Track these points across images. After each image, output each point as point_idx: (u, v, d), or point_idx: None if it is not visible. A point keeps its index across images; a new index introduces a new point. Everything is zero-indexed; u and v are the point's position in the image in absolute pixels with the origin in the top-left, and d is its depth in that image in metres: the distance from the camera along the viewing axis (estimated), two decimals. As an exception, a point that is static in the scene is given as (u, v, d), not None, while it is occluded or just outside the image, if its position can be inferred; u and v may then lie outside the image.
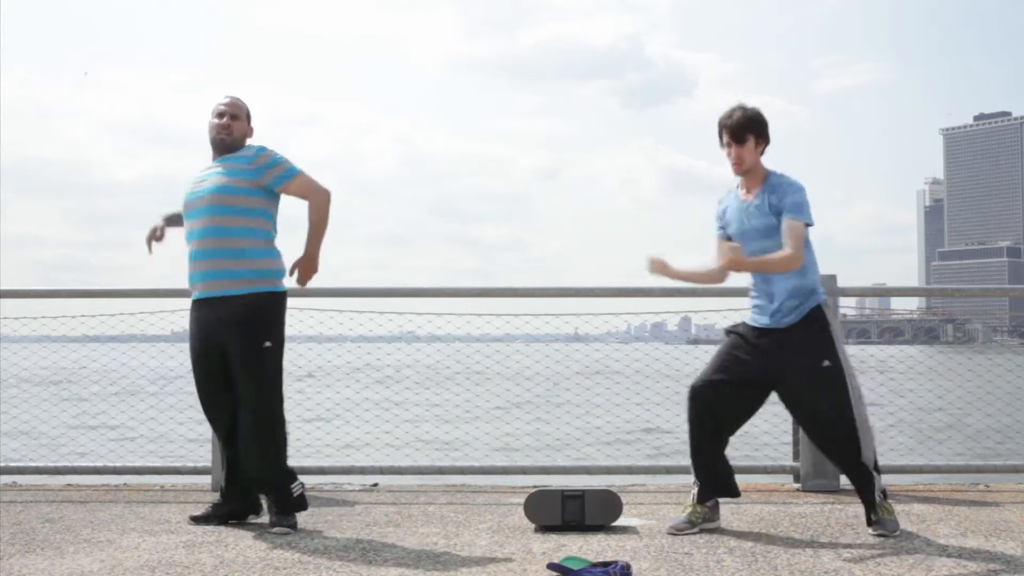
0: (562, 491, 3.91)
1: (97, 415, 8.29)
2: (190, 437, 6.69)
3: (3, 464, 5.50)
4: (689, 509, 3.89)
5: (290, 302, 4.04)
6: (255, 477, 3.93)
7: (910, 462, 5.77)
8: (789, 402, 3.87)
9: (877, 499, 3.77)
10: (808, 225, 3.75)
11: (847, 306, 5.43)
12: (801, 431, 4.93)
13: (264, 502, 4.06)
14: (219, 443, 4.11)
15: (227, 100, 4.03)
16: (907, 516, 4.13)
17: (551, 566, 3.16)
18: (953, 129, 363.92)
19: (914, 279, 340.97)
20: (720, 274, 3.96)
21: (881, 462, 5.59)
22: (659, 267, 4.01)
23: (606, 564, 3.14)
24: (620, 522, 3.95)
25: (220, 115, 3.99)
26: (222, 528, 3.98)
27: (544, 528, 3.89)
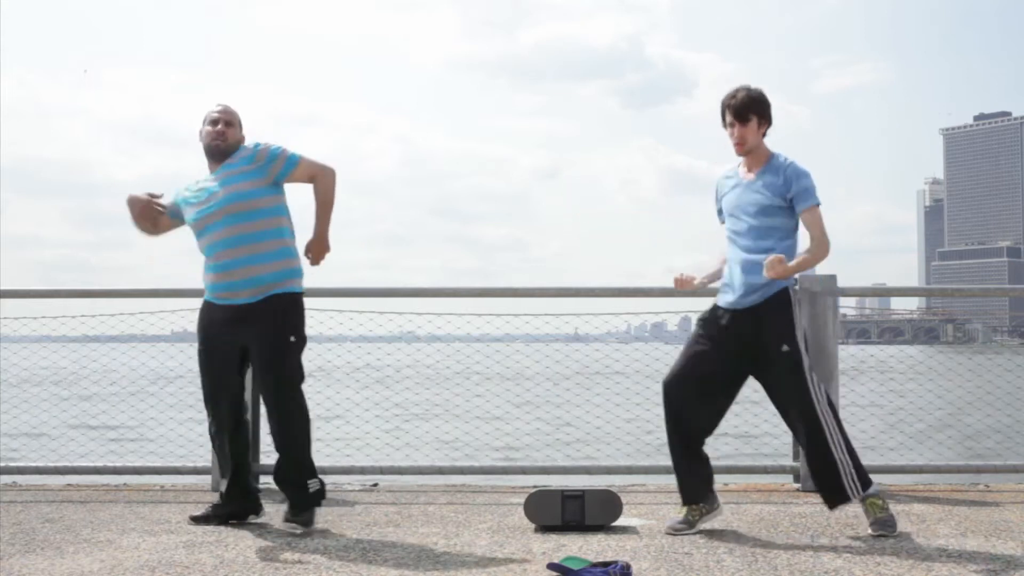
0: (562, 491, 3.91)
1: (97, 415, 8.29)
2: (190, 437, 6.68)
3: (3, 464, 5.50)
4: (686, 509, 3.89)
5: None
6: (283, 476, 3.92)
7: (910, 462, 5.77)
8: (764, 385, 3.88)
9: (846, 484, 3.73)
10: (817, 205, 3.80)
11: (847, 306, 5.42)
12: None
13: (259, 502, 4.06)
14: (218, 444, 4.09)
15: (220, 107, 4.03)
16: (907, 516, 4.13)
17: (551, 566, 3.16)
18: (953, 129, 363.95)
19: (914, 279, 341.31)
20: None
21: (881, 462, 5.61)
22: (684, 284, 4.08)
23: (606, 564, 3.14)
24: (620, 522, 3.95)
25: (214, 122, 3.98)
26: (222, 528, 3.99)
27: (544, 528, 3.89)
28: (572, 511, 3.88)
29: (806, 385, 3.75)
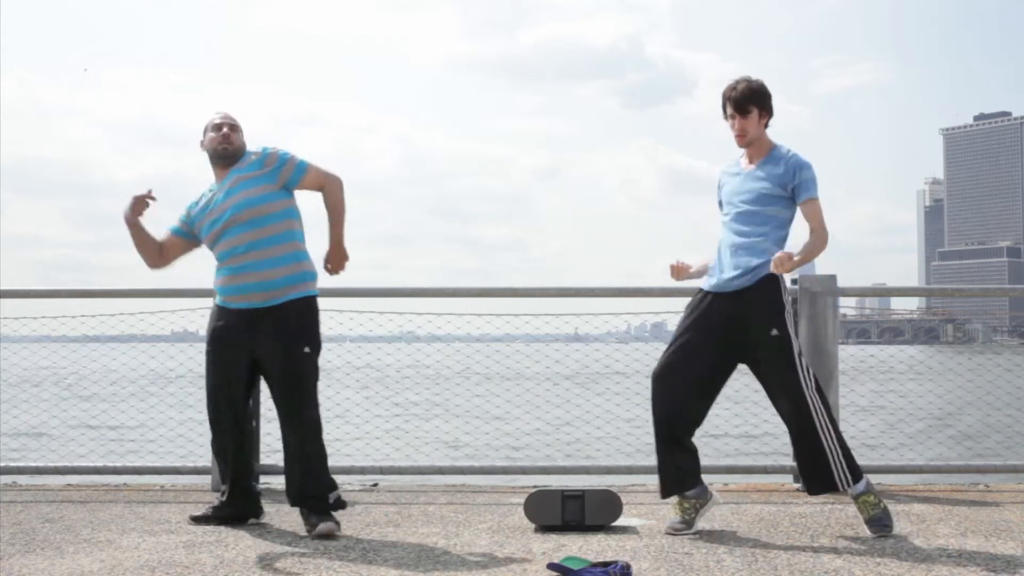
0: (562, 491, 3.91)
1: (97, 415, 8.28)
2: (190, 437, 6.68)
3: (3, 464, 5.50)
4: (679, 508, 3.88)
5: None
6: (304, 493, 3.87)
7: (910, 462, 5.77)
8: (753, 370, 3.86)
9: (835, 472, 3.72)
10: (817, 198, 3.81)
11: (847, 306, 5.43)
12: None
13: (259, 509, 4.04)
14: (218, 448, 4.05)
15: (221, 114, 4.02)
16: (907, 516, 4.13)
17: (551, 566, 3.16)
18: (953, 129, 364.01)
19: (914, 279, 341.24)
20: None
21: (881, 462, 5.62)
22: (680, 272, 4.05)
23: (606, 564, 3.14)
24: (620, 522, 3.95)
25: (218, 127, 3.97)
26: (222, 528, 3.98)
27: (544, 528, 3.89)
28: (572, 511, 3.87)
29: (795, 370, 3.74)
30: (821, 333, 4.88)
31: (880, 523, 3.73)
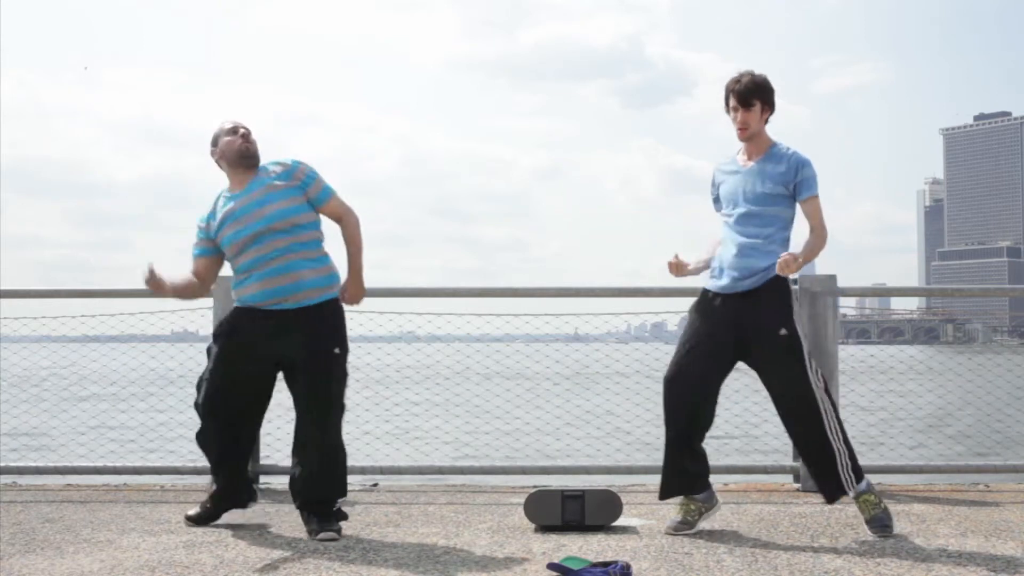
0: (562, 491, 3.91)
1: (97, 415, 8.29)
2: (190, 437, 6.67)
3: (3, 464, 5.50)
4: (683, 509, 3.88)
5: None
6: (308, 494, 3.84)
7: (910, 462, 5.77)
8: (757, 369, 3.85)
9: (842, 475, 3.74)
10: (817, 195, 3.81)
11: (847, 306, 5.43)
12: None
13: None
14: (206, 439, 3.99)
15: (231, 120, 4.01)
16: (907, 516, 4.13)
17: (551, 566, 3.16)
18: (953, 129, 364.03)
19: (914, 279, 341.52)
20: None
21: (881, 462, 5.61)
22: (679, 268, 4.01)
23: (606, 564, 3.14)
24: (620, 522, 3.95)
25: (234, 131, 3.94)
26: (222, 528, 3.98)
27: (544, 528, 3.89)
28: (572, 511, 3.87)
29: (805, 370, 3.74)
30: (821, 333, 4.88)
31: (880, 523, 3.73)
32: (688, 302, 5.17)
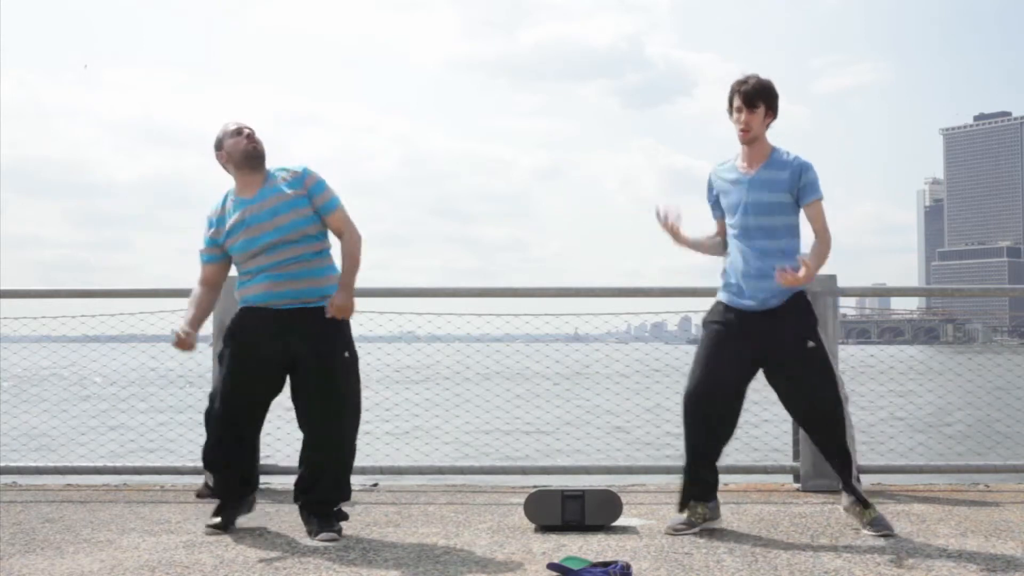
0: (562, 491, 3.91)
1: (96, 415, 8.28)
2: (190, 437, 6.68)
3: (3, 464, 5.50)
4: (689, 510, 3.88)
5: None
6: (316, 498, 3.82)
7: (910, 462, 5.76)
8: (778, 382, 3.85)
9: (854, 481, 3.78)
10: (821, 199, 3.82)
11: (847, 306, 5.42)
12: (801, 431, 4.94)
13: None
14: (222, 443, 3.90)
15: (237, 121, 3.96)
16: (907, 516, 4.13)
17: (551, 566, 3.16)
18: (953, 129, 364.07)
19: (914, 279, 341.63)
20: (724, 248, 3.94)
21: (881, 462, 5.62)
22: (672, 231, 3.96)
23: (606, 564, 3.14)
24: (620, 522, 3.95)
25: (239, 132, 3.90)
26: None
27: (544, 528, 3.89)
28: (572, 511, 3.87)
29: (834, 378, 3.79)
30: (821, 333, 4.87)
31: (882, 524, 3.73)
32: (688, 302, 5.17)
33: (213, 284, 4.02)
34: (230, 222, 3.87)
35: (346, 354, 3.87)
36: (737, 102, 3.79)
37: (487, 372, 6.12)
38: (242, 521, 4.04)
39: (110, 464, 5.45)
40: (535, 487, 4.47)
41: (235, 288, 3.96)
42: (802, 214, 3.81)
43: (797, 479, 5.02)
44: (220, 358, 3.96)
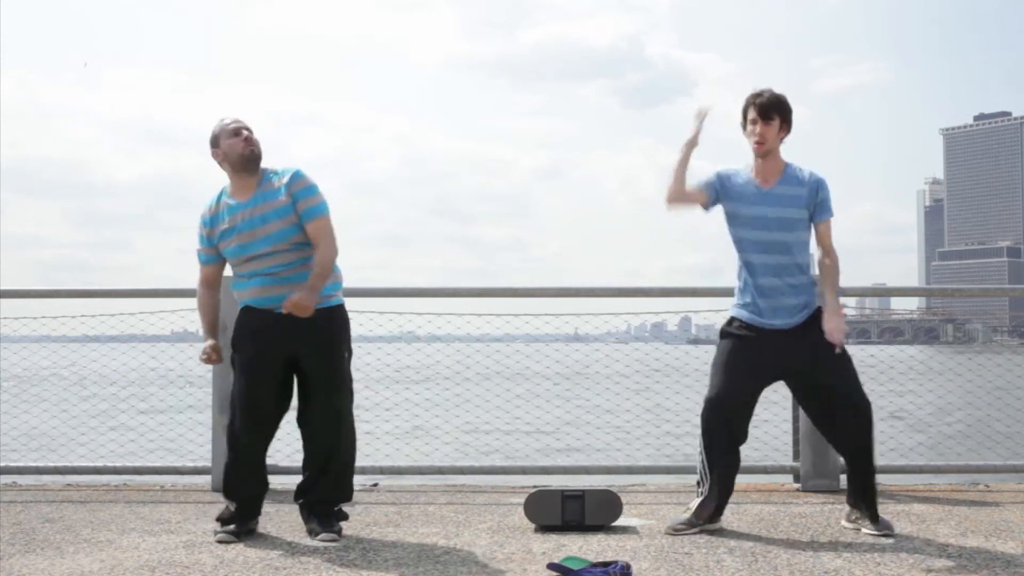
0: (562, 491, 3.91)
1: (97, 415, 8.28)
2: (190, 437, 6.68)
3: (3, 464, 5.50)
4: (692, 512, 3.87)
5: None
6: (318, 498, 3.82)
7: (910, 462, 5.77)
8: (812, 387, 3.83)
9: (879, 511, 3.81)
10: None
11: (847, 306, 5.42)
12: (801, 431, 4.94)
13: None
14: (244, 452, 3.85)
15: (231, 119, 3.85)
16: (907, 516, 4.13)
17: (551, 566, 3.16)
18: (953, 129, 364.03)
19: (914, 279, 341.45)
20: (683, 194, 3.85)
21: (881, 462, 5.61)
22: (695, 137, 3.87)
23: (606, 564, 3.14)
24: (620, 522, 3.95)
25: (237, 132, 3.79)
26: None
27: (544, 528, 3.89)
28: (572, 511, 3.88)
29: (859, 381, 3.81)
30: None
31: (883, 524, 3.74)
32: (688, 302, 5.17)
33: (214, 283, 3.99)
34: (222, 226, 3.82)
35: (346, 354, 3.87)
36: (752, 114, 3.79)
37: (487, 372, 6.12)
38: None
39: (110, 464, 5.45)
40: (535, 487, 4.47)
41: (231, 287, 3.91)
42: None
43: (797, 479, 5.02)
44: (232, 362, 3.91)
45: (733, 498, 4.60)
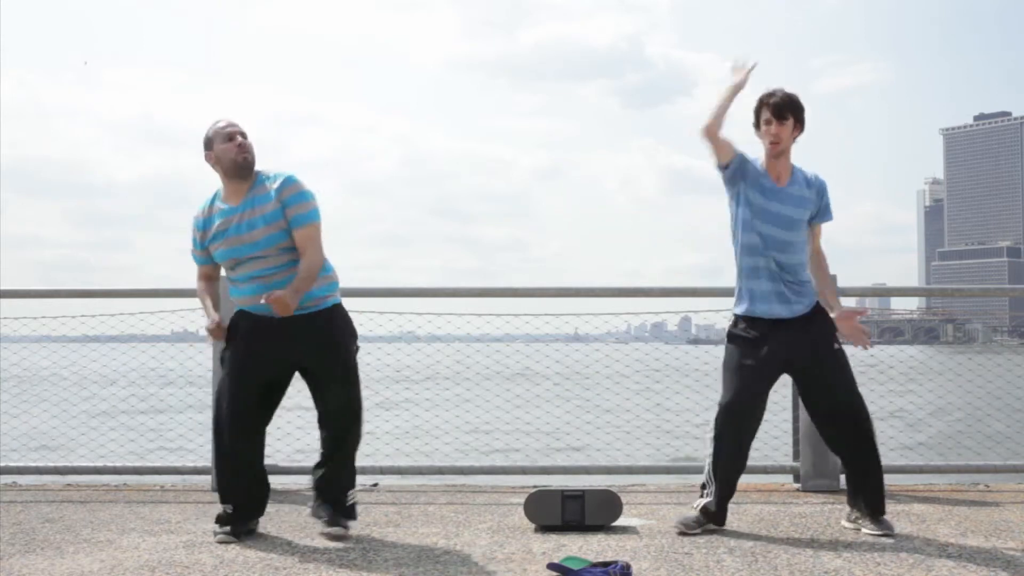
0: (562, 491, 3.91)
1: (97, 415, 8.28)
2: (190, 437, 6.68)
3: (3, 464, 5.50)
4: (698, 511, 3.87)
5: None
6: (331, 486, 3.81)
7: (910, 462, 5.77)
8: (813, 386, 3.84)
9: (886, 513, 3.81)
10: None
11: (847, 306, 5.42)
12: (801, 431, 4.94)
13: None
14: (231, 452, 3.84)
15: (226, 122, 3.80)
16: (907, 516, 4.13)
17: (551, 566, 3.16)
18: (953, 129, 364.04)
19: (914, 279, 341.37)
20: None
21: (882, 462, 5.60)
22: (743, 79, 3.86)
23: (606, 564, 3.14)
24: (620, 522, 3.95)
25: (231, 137, 3.75)
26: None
27: (544, 528, 3.89)
28: (572, 511, 3.88)
29: (854, 379, 3.83)
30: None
31: (882, 524, 3.74)
32: (688, 302, 5.17)
33: (213, 277, 3.99)
34: (212, 230, 3.80)
35: (353, 348, 3.88)
36: (766, 115, 3.79)
37: (487, 372, 6.12)
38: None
39: (110, 464, 5.45)
40: (535, 487, 4.47)
41: (228, 290, 3.89)
42: None
43: (797, 479, 5.02)
44: (222, 360, 3.91)
45: (733, 498, 4.60)
